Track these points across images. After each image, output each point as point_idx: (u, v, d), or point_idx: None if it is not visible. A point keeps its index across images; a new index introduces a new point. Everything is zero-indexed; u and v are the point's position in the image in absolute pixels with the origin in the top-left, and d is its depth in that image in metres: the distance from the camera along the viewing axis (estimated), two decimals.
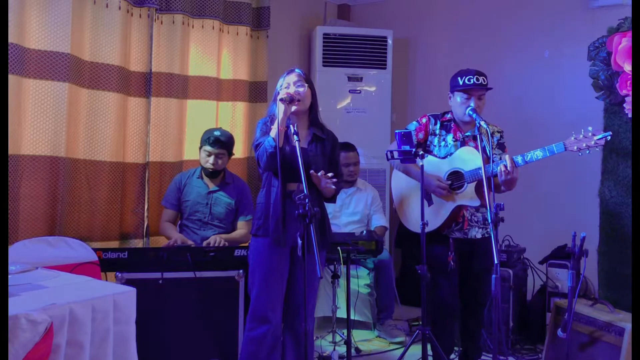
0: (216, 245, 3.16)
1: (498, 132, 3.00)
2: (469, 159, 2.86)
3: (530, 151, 2.71)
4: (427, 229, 2.80)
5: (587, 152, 2.63)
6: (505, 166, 2.66)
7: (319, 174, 2.58)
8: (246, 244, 3.18)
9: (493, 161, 2.80)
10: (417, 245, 2.81)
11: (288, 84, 2.67)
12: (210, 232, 3.35)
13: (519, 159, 2.73)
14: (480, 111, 2.87)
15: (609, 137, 2.61)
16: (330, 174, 2.57)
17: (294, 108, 2.57)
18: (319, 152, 2.70)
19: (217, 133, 3.33)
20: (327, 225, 2.80)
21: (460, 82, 2.86)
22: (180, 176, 3.48)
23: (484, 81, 2.86)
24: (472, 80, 2.84)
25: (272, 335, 2.66)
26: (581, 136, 2.63)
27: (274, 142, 2.51)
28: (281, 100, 2.52)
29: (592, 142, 2.61)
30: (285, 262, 2.69)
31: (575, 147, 2.62)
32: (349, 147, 4.05)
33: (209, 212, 3.36)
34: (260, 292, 2.65)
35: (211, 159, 3.31)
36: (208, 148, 3.30)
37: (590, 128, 2.63)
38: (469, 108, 2.82)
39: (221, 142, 3.30)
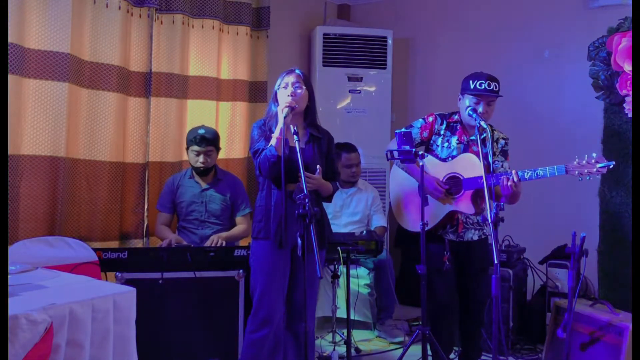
0: (215, 245, 3.16)
1: (503, 138, 2.99)
2: (469, 166, 2.85)
3: (531, 169, 2.71)
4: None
5: (588, 178, 2.63)
6: (509, 179, 2.66)
7: (317, 171, 2.59)
8: (246, 244, 3.18)
9: (494, 170, 2.79)
10: (414, 245, 2.81)
11: (287, 83, 2.68)
12: (208, 231, 3.35)
13: (507, 175, 2.73)
14: (488, 117, 2.86)
15: (611, 166, 2.61)
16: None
17: (290, 117, 2.58)
18: (316, 151, 2.72)
19: (201, 131, 3.36)
20: (326, 225, 2.81)
21: (472, 86, 2.84)
22: (172, 179, 3.49)
23: (496, 87, 2.84)
24: (483, 85, 2.82)
25: (274, 337, 2.66)
26: (584, 162, 2.62)
27: (276, 152, 2.52)
28: (285, 117, 2.53)
29: (594, 170, 2.61)
30: (287, 263, 2.69)
31: (577, 172, 2.63)
32: (351, 148, 4.04)
33: (205, 210, 3.37)
34: (262, 295, 2.66)
35: (201, 158, 3.33)
36: (196, 147, 3.33)
37: (594, 155, 2.63)
38: (469, 108, 2.82)
39: (207, 140, 3.34)
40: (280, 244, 2.62)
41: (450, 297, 2.99)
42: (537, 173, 2.68)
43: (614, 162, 2.63)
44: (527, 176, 2.70)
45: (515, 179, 2.66)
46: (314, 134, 2.74)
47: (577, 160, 2.64)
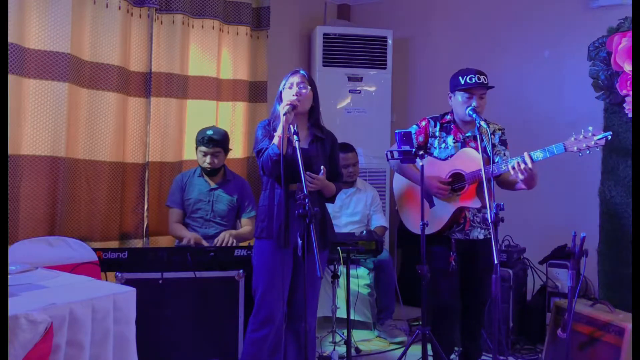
0: (226, 243, 3.16)
1: (499, 129, 2.99)
2: (469, 160, 2.85)
3: (530, 152, 2.70)
4: (428, 231, 2.79)
5: (588, 152, 2.60)
6: (519, 162, 2.63)
7: (321, 171, 2.59)
8: (246, 244, 3.18)
9: (494, 161, 2.79)
10: (417, 245, 2.81)
11: (292, 83, 2.68)
12: (212, 230, 3.36)
13: (518, 159, 2.72)
14: (482, 110, 2.86)
15: (609, 137, 2.59)
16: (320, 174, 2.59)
17: (292, 115, 2.58)
18: (319, 152, 2.71)
19: (210, 132, 3.35)
20: (329, 225, 2.81)
21: (462, 82, 2.85)
22: (181, 176, 3.49)
23: (485, 80, 2.85)
24: (473, 79, 2.83)
25: (274, 336, 2.66)
26: (581, 136, 2.61)
27: (278, 150, 2.52)
28: (285, 114, 2.53)
29: (592, 143, 2.58)
30: (289, 262, 2.69)
31: (575, 148, 2.60)
32: (348, 147, 4.04)
33: (210, 210, 3.37)
34: (264, 294, 2.66)
35: (208, 159, 3.33)
36: (203, 148, 3.33)
37: (590, 128, 2.61)
38: (469, 108, 2.81)
39: (215, 141, 3.33)
40: (283, 243, 2.63)
41: (453, 298, 2.99)
42: (535, 156, 2.65)
43: (610, 133, 2.60)
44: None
45: (528, 163, 2.64)
46: (317, 134, 2.74)
47: (573, 136, 2.62)
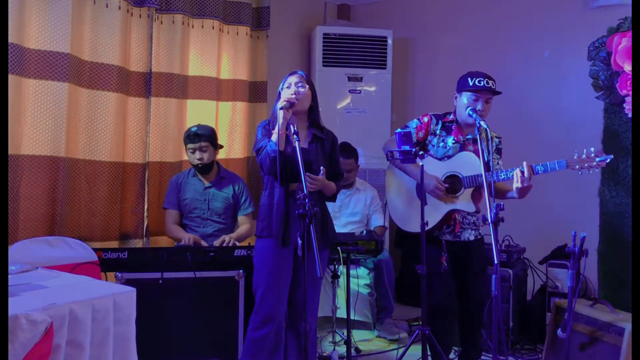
0: (228, 244, 3.17)
1: (497, 137, 3.00)
2: (468, 163, 2.86)
3: (532, 164, 2.72)
4: (417, 229, 2.79)
5: (588, 172, 2.68)
6: (522, 172, 2.67)
7: (320, 172, 2.59)
8: (247, 243, 3.18)
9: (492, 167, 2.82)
10: (412, 246, 2.81)
11: (290, 83, 2.70)
12: (210, 229, 3.36)
13: (521, 168, 2.73)
14: (485, 115, 2.88)
15: (608, 160, 2.68)
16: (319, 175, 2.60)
17: (290, 113, 2.58)
18: (319, 152, 2.72)
19: (194, 129, 3.39)
20: (329, 225, 2.81)
21: (470, 83, 2.86)
22: (175, 177, 3.50)
23: (493, 85, 2.87)
24: (482, 82, 2.84)
25: (275, 335, 2.67)
26: (584, 156, 2.69)
27: (276, 147, 2.53)
28: (281, 108, 2.54)
29: (594, 163, 2.67)
30: (290, 262, 2.70)
31: (577, 166, 2.68)
32: (348, 153, 4.00)
33: (207, 208, 3.38)
34: (265, 292, 2.66)
35: (197, 154, 3.35)
36: (190, 145, 3.36)
37: (592, 149, 2.69)
38: (469, 108, 2.82)
39: (200, 135, 3.35)
40: (283, 242, 2.63)
41: (448, 299, 2.99)
42: (537, 169, 2.71)
43: (612, 156, 2.70)
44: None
45: (526, 172, 2.67)
46: (317, 134, 2.75)
47: (576, 155, 2.69)
